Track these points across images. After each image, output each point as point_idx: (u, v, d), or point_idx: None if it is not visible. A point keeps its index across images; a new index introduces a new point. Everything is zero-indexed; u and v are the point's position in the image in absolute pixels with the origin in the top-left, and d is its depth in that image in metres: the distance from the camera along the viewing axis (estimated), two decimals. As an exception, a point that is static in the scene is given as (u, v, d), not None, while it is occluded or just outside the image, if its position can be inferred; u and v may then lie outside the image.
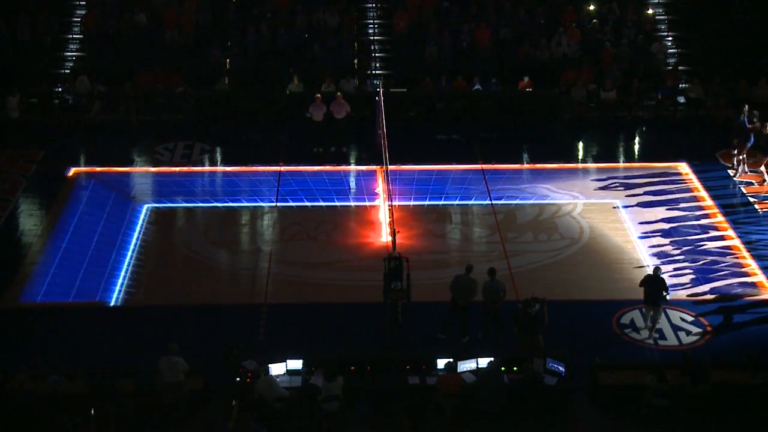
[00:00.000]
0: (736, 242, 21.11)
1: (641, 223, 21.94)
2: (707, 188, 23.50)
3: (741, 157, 23.92)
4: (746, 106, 24.02)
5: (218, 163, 25.35)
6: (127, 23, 29.96)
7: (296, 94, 27.68)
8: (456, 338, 17.45)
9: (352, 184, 23.89)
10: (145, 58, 28.88)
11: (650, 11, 31.20)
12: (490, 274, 17.53)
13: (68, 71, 28.83)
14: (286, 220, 22.07)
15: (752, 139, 23.62)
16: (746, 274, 19.99)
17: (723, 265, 20.31)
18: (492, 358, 15.62)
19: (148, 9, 30.26)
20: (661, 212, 22.43)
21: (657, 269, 17.75)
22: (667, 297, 17.73)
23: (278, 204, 22.64)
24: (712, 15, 30.74)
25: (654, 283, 17.53)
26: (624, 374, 15.97)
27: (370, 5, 31.84)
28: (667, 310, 18.46)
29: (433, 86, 28.47)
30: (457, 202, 22.79)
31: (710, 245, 21.04)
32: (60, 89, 28.09)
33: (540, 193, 23.36)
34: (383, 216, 21.81)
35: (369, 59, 30.03)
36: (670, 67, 29.22)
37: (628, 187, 23.75)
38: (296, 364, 15.80)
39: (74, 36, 30.54)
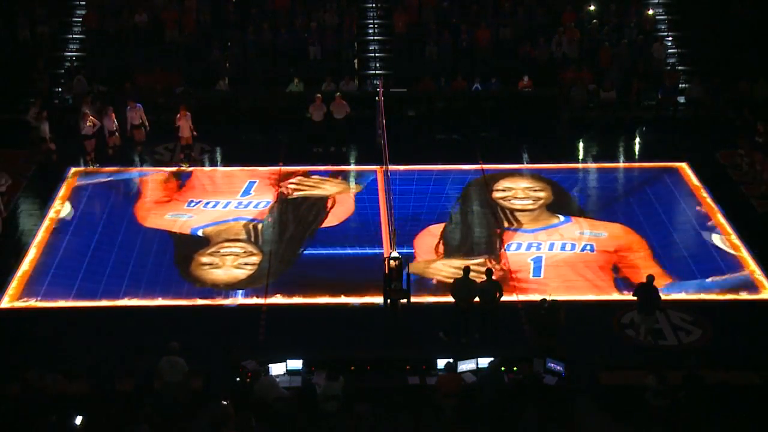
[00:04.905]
0: (736, 242, 21.10)
1: (641, 222, 21.94)
2: (707, 188, 23.48)
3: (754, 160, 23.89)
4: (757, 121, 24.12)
5: (218, 163, 25.36)
6: (127, 23, 29.96)
7: (296, 94, 27.69)
8: (457, 339, 17.46)
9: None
10: (145, 58, 28.88)
11: (650, 11, 31.19)
12: (487, 275, 17.55)
13: (64, 71, 28.80)
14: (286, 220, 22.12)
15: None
16: (746, 274, 19.98)
17: (723, 265, 20.29)
18: (492, 358, 15.63)
19: (148, 9, 30.25)
20: (661, 212, 22.42)
21: (650, 277, 17.59)
22: (660, 306, 17.66)
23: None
24: (712, 15, 30.72)
25: (647, 292, 17.41)
26: (624, 374, 15.95)
27: (370, 5, 31.84)
28: (667, 310, 18.45)
29: (433, 86, 28.46)
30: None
31: (710, 245, 21.03)
32: (60, 89, 28.07)
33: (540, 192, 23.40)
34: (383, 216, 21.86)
35: (369, 59, 30.06)
36: (670, 67, 29.22)
37: (628, 187, 23.74)
38: (296, 364, 15.79)
39: (74, 36, 30.54)
